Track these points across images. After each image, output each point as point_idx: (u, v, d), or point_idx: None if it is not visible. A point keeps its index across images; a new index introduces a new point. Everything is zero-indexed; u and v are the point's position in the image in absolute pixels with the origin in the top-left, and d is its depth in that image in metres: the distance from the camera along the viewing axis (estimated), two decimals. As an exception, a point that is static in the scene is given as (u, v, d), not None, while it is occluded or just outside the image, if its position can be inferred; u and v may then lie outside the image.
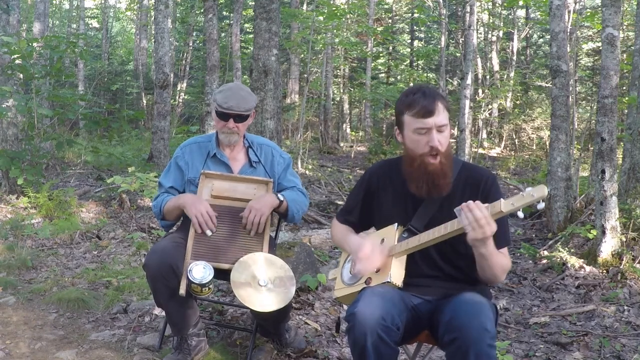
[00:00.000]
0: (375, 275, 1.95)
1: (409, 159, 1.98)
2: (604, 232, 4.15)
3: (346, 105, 17.03)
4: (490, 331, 1.70)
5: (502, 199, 1.71)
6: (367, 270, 1.94)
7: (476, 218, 1.71)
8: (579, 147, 8.85)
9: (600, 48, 4.65)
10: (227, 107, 2.47)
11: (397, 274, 1.91)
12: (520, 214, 1.70)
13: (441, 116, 1.90)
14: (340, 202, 6.68)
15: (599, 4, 6.86)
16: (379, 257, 1.93)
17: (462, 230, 1.77)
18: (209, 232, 2.42)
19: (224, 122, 2.51)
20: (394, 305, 1.79)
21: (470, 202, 1.74)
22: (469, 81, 9.03)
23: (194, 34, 16.13)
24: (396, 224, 1.99)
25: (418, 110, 1.89)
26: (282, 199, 2.52)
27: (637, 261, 4.10)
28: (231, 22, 12.56)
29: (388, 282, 1.88)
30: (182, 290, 2.31)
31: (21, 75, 6.35)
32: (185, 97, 15.69)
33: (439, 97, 1.92)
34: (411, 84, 15.26)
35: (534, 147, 13.29)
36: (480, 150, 12.09)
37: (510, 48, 14.68)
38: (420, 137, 1.91)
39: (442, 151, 1.91)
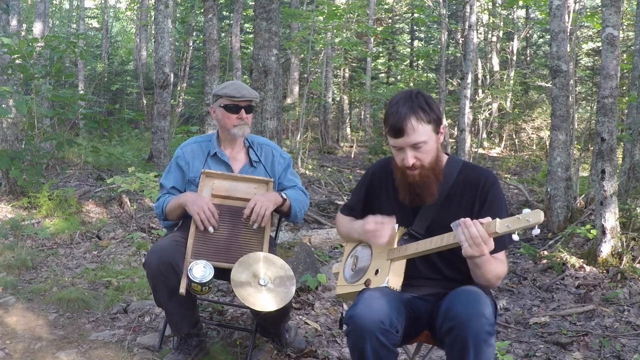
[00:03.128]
0: (374, 278, 1.95)
1: (394, 168, 2.00)
2: (604, 232, 4.15)
3: (346, 105, 17.03)
4: (488, 317, 1.69)
5: (497, 219, 1.69)
6: (380, 242, 1.93)
7: (472, 236, 1.69)
8: (579, 147, 8.85)
9: (600, 48, 4.65)
10: (240, 95, 2.54)
11: (395, 278, 1.91)
12: (515, 237, 1.68)
13: (414, 135, 1.84)
14: (340, 202, 6.68)
15: (599, 4, 6.85)
16: (387, 226, 1.92)
17: (457, 244, 1.76)
18: (211, 229, 2.42)
19: (236, 114, 2.55)
20: (393, 308, 1.78)
21: (467, 219, 1.72)
22: (469, 81, 9.03)
23: (194, 34, 16.13)
24: (397, 225, 1.98)
25: (388, 129, 1.88)
26: (285, 197, 2.54)
27: (637, 261, 4.10)
28: (231, 22, 12.56)
29: (385, 286, 1.88)
30: (182, 290, 2.31)
31: (21, 75, 6.35)
32: (185, 97, 15.69)
33: (415, 112, 1.84)
34: (411, 84, 15.26)
35: (534, 147, 13.28)
36: (480, 150, 12.08)
37: (510, 48, 14.68)
38: (397, 153, 1.92)
39: (420, 165, 1.89)
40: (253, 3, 10.72)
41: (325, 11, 10.01)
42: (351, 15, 12.34)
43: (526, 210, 1.63)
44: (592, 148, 8.77)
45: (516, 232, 1.66)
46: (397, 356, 1.82)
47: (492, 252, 1.87)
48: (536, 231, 1.63)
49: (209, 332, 2.93)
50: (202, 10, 11.38)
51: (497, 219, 1.69)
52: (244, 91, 2.55)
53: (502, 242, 1.90)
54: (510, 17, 15.88)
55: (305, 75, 11.13)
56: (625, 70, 7.94)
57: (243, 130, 2.60)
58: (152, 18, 12.76)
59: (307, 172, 9.12)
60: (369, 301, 1.78)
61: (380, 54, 17.70)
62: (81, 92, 12.97)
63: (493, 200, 1.94)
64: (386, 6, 18.73)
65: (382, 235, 1.93)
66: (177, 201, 2.50)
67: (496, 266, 1.85)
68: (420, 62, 17.80)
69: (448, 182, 1.98)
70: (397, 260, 1.93)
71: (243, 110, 2.56)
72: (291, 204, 2.55)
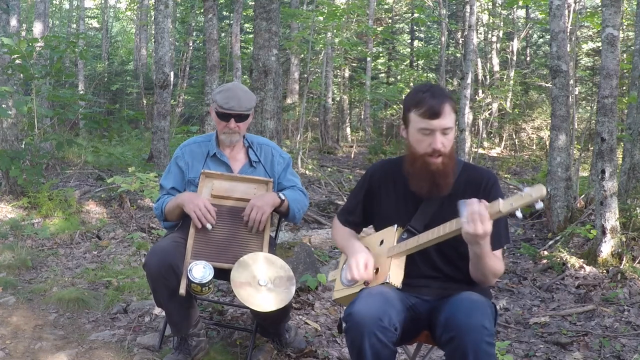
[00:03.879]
0: (374, 277, 1.95)
1: (411, 157, 1.98)
2: (604, 232, 4.15)
3: (346, 105, 17.02)
4: (489, 329, 1.70)
5: (500, 199, 1.71)
6: (357, 280, 1.95)
7: (472, 211, 1.71)
8: (579, 147, 8.85)
9: (600, 48, 4.65)
10: (228, 107, 2.48)
11: (395, 275, 1.91)
12: (519, 214, 1.70)
13: (447, 119, 1.88)
14: (340, 202, 6.68)
15: (599, 4, 6.85)
16: (370, 271, 1.94)
17: (460, 231, 1.77)
18: (209, 226, 2.41)
19: (225, 122, 2.52)
20: (392, 306, 1.78)
21: (474, 199, 1.74)
22: (469, 81, 9.02)
23: (194, 34, 16.13)
24: (396, 225, 1.98)
25: (425, 110, 1.88)
26: (283, 198, 2.52)
27: (637, 261, 4.10)
28: (231, 22, 12.56)
29: (386, 283, 1.89)
30: (182, 290, 2.31)
31: (21, 75, 6.35)
32: (185, 97, 15.68)
33: (447, 99, 1.91)
34: (411, 84, 15.25)
35: (534, 147, 13.28)
36: (480, 150, 12.08)
37: (510, 48, 14.67)
38: (424, 138, 1.91)
39: (444, 152, 1.91)
40: (253, 3, 10.72)
41: (325, 11, 10.01)
42: (351, 15, 12.35)
43: (527, 188, 1.64)
44: (592, 148, 8.77)
45: (519, 209, 1.67)
46: (396, 354, 1.82)
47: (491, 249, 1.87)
48: (539, 205, 1.63)
49: (209, 332, 2.93)
50: (202, 10, 11.38)
51: (500, 199, 1.70)
52: (233, 103, 2.48)
53: (499, 241, 1.91)
54: (510, 17, 15.87)
55: (305, 75, 11.13)
56: (625, 70, 7.93)
57: (231, 138, 2.57)
58: (152, 18, 12.76)
59: (307, 172, 9.12)
60: (367, 299, 1.79)
61: (380, 54, 17.70)
62: (81, 92, 12.96)
63: (495, 200, 1.95)
64: (386, 6, 18.73)
65: (363, 277, 1.93)
66: (175, 201, 2.50)
67: (495, 262, 1.87)
68: (420, 62, 17.80)
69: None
70: (397, 257, 1.93)
71: (232, 120, 2.51)
72: (290, 205, 2.54)
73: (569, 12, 7.64)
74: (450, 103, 1.91)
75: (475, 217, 1.70)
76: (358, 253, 1.97)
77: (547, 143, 8.47)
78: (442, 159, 1.91)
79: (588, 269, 4.13)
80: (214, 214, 2.43)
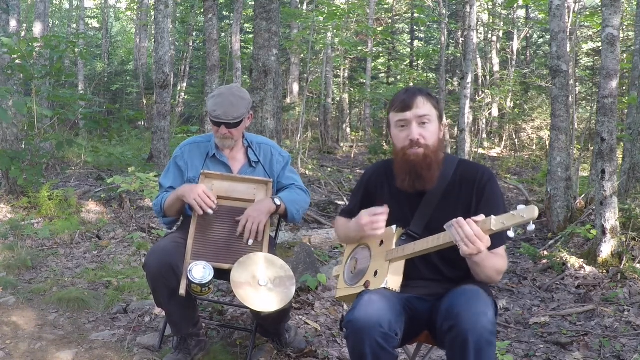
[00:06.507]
0: (373, 279, 1.95)
1: (395, 155, 2.01)
2: (604, 232, 4.15)
3: (346, 105, 17.02)
4: (489, 316, 1.69)
5: (492, 216, 1.68)
6: (377, 233, 1.95)
7: (467, 235, 1.69)
8: (579, 147, 8.85)
9: (600, 48, 4.65)
10: (215, 115, 2.47)
11: (394, 279, 1.91)
12: (511, 234, 1.69)
13: (422, 108, 1.93)
14: (340, 202, 6.68)
15: (599, 4, 6.85)
16: (381, 216, 1.95)
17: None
18: (210, 211, 2.40)
19: (217, 128, 2.52)
20: (392, 311, 1.78)
21: (460, 219, 1.72)
22: (469, 81, 9.02)
23: (194, 34, 16.12)
24: (395, 226, 1.98)
25: (397, 105, 1.96)
26: (279, 203, 2.49)
27: (637, 261, 4.10)
28: (231, 22, 12.56)
29: (384, 287, 1.88)
30: (182, 291, 2.30)
31: (21, 75, 6.35)
32: (185, 97, 15.68)
33: (422, 93, 1.96)
34: (411, 84, 15.26)
35: (534, 147, 13.28)
36: (480, 150, 12.08)
37: (510, 48, 14.67)
38: (401, 131, 1.95)
39: (424, 144, 1.92)
40: (253, 3, 10.72)
41: (325, 11, 10.01)
42: (351, 15, 12.35)
43: (521, 207, 1.64)
44: (592, 148, 8.77)
45: (512, 229, 1.67)
46: (397, 358, 1.82)
47: (491, 248, 1.86)
48: (531, 227, 1.63)
49: (209, 332, 2.93)
50: (202, 10, 11.37)
51: (492, 217, 1.69)
52: (220, 111, 2.45)
53: (501, 238, 1.90)
54: (510, 17, 15.87)
55: (305, 75, 11.13)
56: (625, 70, 7.94)
57: (223, 143, 2.57)
58: (152, 18, 12.75)
59: (307, 172, 9.12)
60: (367, 305, 1.78)
61: (380, 54, 17.70)
62: (81, 92, 12.96)
63: (490, 196, 1.94)
64: (386, 6, 18.73)
65: (379, 226, 1.94)
66: (175, 194, 2.49)
67: (496, 262, 1.86)
68: (420, 62, 17.80)
69: (445, 179, 1.99)
70: (395, 261, 1.93)
71: (223, 126, 2.49)
72: (287, 207, 2.52)
73: (569, 12, 7.65)
74: (425, 97, 1.95)
75: (473, 239, 1.69)
76: (361, 215, 1.98)
77: (547, 143, 8.47)
78: (422, 150, 1.92)
79: (588, 269, 4.13)
80: (214, 198, 2.42)
